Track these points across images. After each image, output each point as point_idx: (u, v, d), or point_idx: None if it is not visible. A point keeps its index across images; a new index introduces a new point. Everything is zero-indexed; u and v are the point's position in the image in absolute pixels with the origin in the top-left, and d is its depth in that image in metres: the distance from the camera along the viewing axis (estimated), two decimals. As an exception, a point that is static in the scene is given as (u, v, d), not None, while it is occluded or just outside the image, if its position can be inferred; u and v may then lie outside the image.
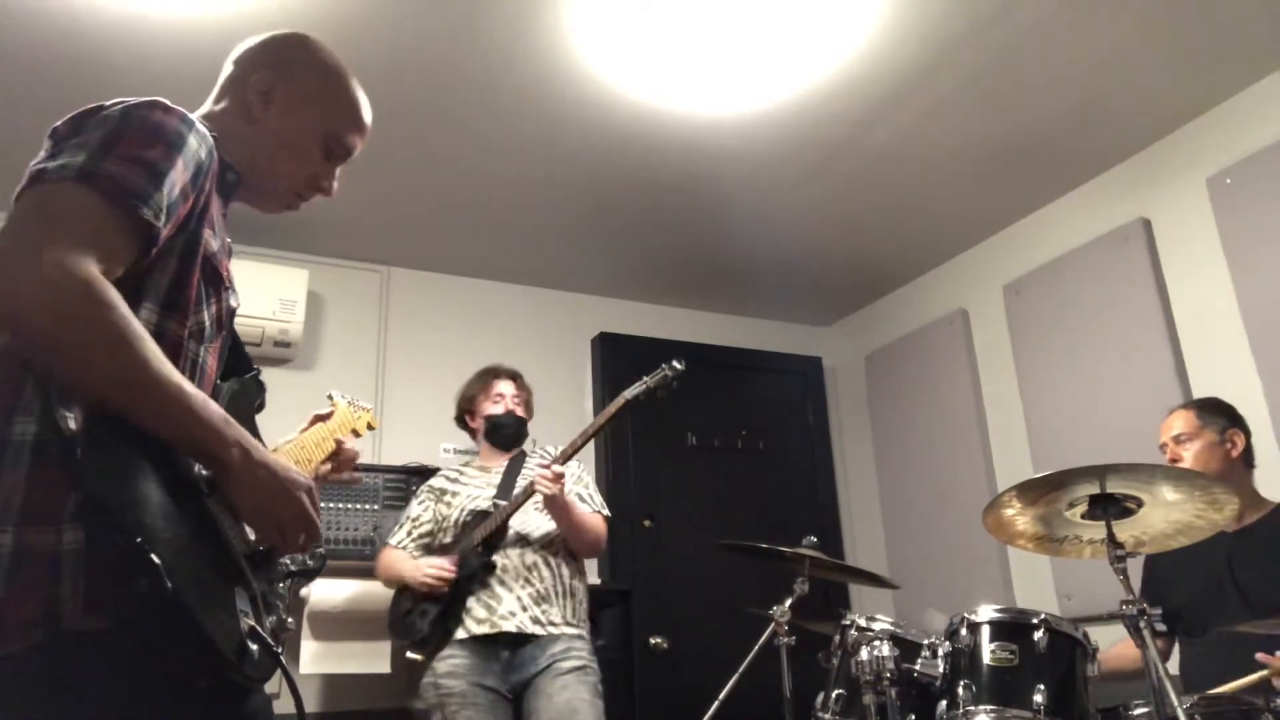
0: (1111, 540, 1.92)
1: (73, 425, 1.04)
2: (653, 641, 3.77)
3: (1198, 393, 3.01)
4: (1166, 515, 2.00)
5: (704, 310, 4.71)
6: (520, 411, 3.05)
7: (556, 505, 2.74)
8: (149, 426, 1.07)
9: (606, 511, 2.95)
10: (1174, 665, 2.56)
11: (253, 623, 1.11)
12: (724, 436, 4.40)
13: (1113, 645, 2.56)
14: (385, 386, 3.89)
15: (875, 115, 3.18)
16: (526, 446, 3.08)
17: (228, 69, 1.43)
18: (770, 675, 2.47)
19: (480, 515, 2.83)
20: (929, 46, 2.86)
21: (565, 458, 2.74)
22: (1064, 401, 3.60)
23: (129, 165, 1.11)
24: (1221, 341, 3.12)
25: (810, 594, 2.56)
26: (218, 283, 1.26)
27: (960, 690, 2.05)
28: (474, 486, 2.96)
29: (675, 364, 2.75)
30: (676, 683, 2.82)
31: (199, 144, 1.21)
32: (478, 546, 2.78)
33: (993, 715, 1.99)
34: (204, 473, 1.13)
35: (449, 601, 2.74)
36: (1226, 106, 3.20)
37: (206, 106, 1.40)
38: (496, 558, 2.76)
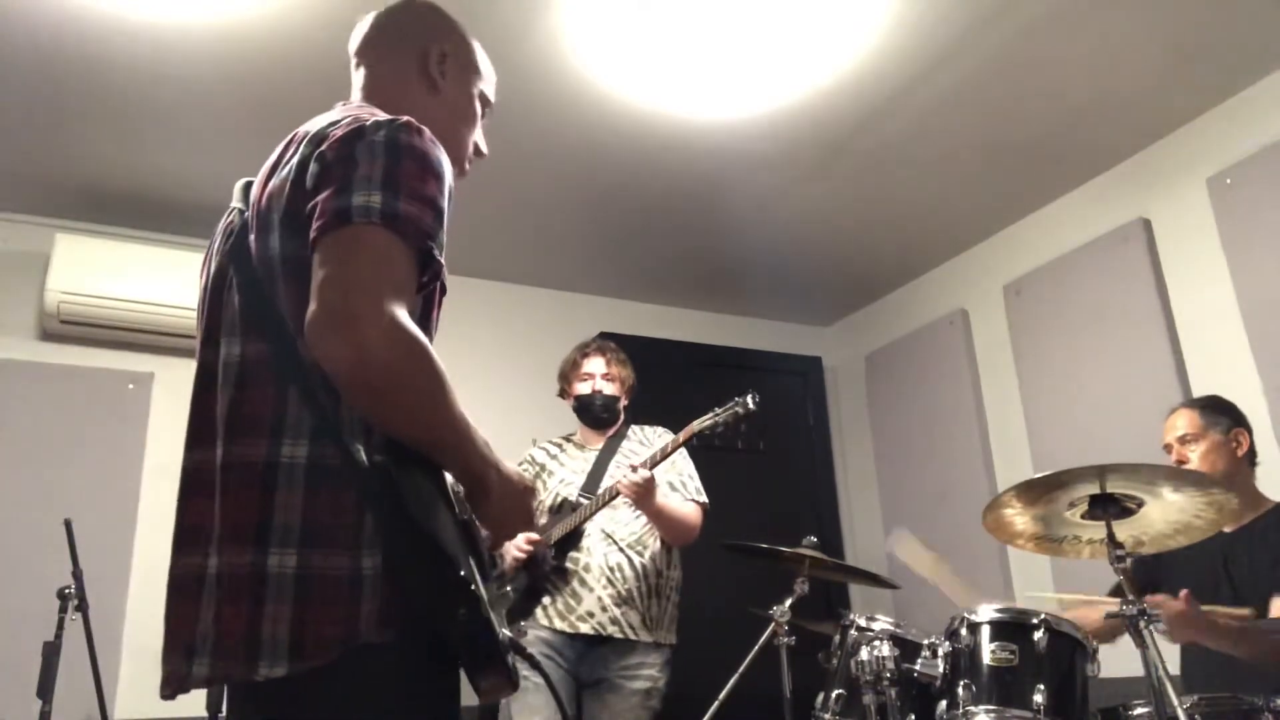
0: (1111, 540, 1.92)
1: (365, 455, 1.08)
2: (653, 641, 3.77)
3: (1198, 392, 3.00)
4: (1166, 515, 2.00)
5: (704, 310, 4.71)
6: (611, 389, 2.97)
7: (645, 508, 2.73)
8: (436, 456, 1.13)
9: (703, 498, 2.91)
10: (1174, 665, 2.55)
11: (507, 633, 1.13)
12: (724, 436, 4.39)
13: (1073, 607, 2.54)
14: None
15: (875, 115, 3.18)
16: (634, 427, 3.04)
17: (390, 49, 1.41)
18: (770, 675, 2.47)
19: (566, 505, 2.83)
20: (929, 47, 2.86)
21: (651, 465, 2.69)
22: (1064, 401, 3.59)
23: (420, 205, 1.12)
24: (1221, 341, 3.12)
25: (810, 594, 2.56)
26: (441, 301, 1.28)
27: (960, 690, 2.05)
28: (569, 469, 2.94)
29: (749, 401, 2.66)
30: (677, 683, 2.81)
31: (448, 167, 1.22)
32: (551, 547, 2.77)
33: (993, 715, 1.99)
34: (458, 488, 1.18)
35: (532, 586, 2.77)
36: (1226, 106, 3.19)
37: (372, 92, 1.37)
38: (571, 561, 2.76)
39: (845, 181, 3.59)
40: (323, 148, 1.16)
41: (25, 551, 3.09)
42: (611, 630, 2.70)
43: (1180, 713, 1.72)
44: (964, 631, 2.13)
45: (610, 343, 3.10)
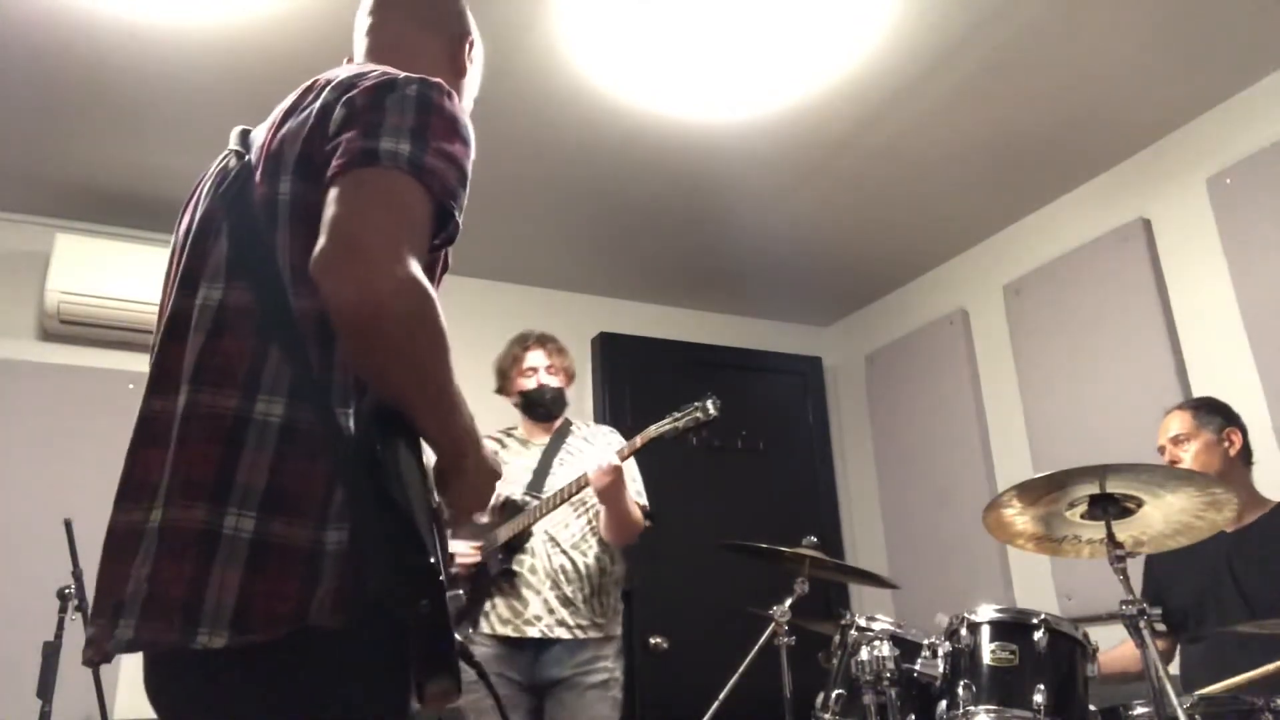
0: (1111, 540, 1.92)
1: (348, 422, 1.02)
2: (653, 641, 3.77)
3: (1198, 392, 3.01)
4: (1166, 515, 2.00)
5: (704, 310, 4.71)
6: (557, 381, 2.92)
7: (611, 499, 2.65)
8: (423, 426, 1.06)
9: (644, 501, 2.86)
10: (1174, 665, 2.55)
11: (458, 636, 1.05)
12: (724, 436, 4.39)
13: (1114, 646, 2.56)
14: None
15: (875, 115, 3.18)
16: (574, 422, 2.99)
17: (424, 24, 1.38)
18: (770, 675, 2.47)
19: (510, 505, 2.77)
20: (929, 47, 2.86)
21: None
22: (1064, 401, 3.60)
23: (446, 162, 1.09)
24: (1221, 341, 3.12)
25: (810, 594, 2.56)
26: (441, 276, 1.23)
27: (960, 690, 2.05)
28: (514, 467, 2.87)
29: (710, 407, 2.53)
30: (676, 683, 2.82)
31: (473, 136, 1.18)
32: (499, 550, 2.71)
33: (993, 715, 1.99)
34: (432, 463, 1.11)
35: (474, 592, 2.71)
36: (1226, 106, 3.19)
37: (388, 55, 1.32)
38: (518, 564, 2.70)
39: (845, 181, 3.59)
40: (352, 94, 1.12)
41: (25, 551, 3.09)
42: (559, 633, 2.65)
43: (1180, 713, 1.72)
44: (964, 631, 2.13)
45: (548, 334, 3.02)
